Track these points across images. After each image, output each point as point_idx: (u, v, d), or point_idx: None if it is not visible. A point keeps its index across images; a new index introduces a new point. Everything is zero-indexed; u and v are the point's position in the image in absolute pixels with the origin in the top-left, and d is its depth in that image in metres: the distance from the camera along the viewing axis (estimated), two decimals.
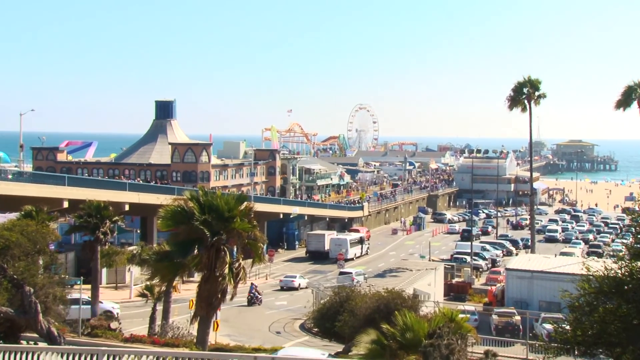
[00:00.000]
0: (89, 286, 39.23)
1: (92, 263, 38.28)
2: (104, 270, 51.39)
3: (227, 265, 21.78)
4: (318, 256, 73.59)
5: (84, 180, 59.06)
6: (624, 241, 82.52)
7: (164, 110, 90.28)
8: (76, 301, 35.88)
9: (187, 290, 48.07)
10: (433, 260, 63.80)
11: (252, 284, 50.52)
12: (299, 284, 55.61)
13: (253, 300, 48.53)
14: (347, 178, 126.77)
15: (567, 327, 17.60)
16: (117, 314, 39.81)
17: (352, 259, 71.90)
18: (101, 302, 41.00)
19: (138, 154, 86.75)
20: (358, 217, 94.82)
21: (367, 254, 77.19)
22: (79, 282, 35.53)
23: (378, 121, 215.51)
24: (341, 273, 55.24)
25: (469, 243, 67.07)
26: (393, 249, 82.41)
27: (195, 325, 23.33)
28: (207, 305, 22.10)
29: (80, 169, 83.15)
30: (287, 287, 55.69)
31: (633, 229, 17.78)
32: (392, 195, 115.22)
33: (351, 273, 53.82)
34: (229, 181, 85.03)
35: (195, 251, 22.17)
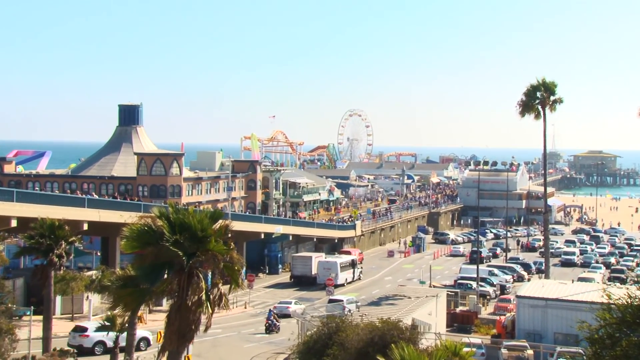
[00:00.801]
0: (40, 317, 38.95)
1: (44, 290, 37.93)
2: (58, 299, 51.10)
3: (203, 292, 21.77)
4: (304, 281, 73.58)
5: (35, 195, 58.77)
6: None
7: (129, 116, 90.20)
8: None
9: (154, 321, 47.94)
10: (434, 287, 63.95)
11: (270, 310, 52.59)
12: (295, 311, 55.67)
13: (271, 327, 49.78)
14: (338, 193, 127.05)
15: None
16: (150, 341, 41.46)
17: (342, 285, 71.94)
18: None
19: (99, 165, 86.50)
20: (350, 238, 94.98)
21: (359, 279, 77.25)
22: (28, 313, 35.30)
23: (372, 128, 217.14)
24: (330, 301, 55.40)
25: (475, 267, 67.22)
26: (389, 274, 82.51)
27: None
28: (177, 338, 22.01)
29: (31, 182, 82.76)
30: (281, 315, 55.77)
31: None
32: (388, 212, 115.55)
33: (342, 301, 54.12)
34: (203, 196, 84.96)
35: (165, 276, 22.13)
